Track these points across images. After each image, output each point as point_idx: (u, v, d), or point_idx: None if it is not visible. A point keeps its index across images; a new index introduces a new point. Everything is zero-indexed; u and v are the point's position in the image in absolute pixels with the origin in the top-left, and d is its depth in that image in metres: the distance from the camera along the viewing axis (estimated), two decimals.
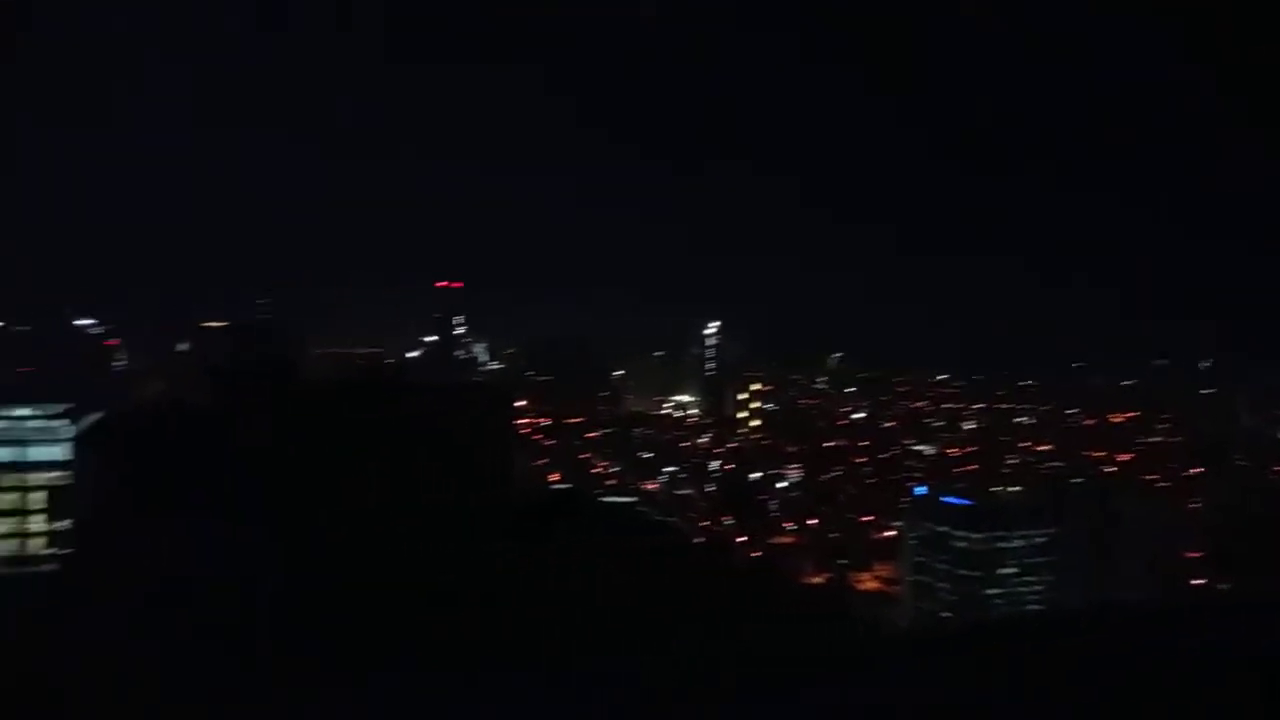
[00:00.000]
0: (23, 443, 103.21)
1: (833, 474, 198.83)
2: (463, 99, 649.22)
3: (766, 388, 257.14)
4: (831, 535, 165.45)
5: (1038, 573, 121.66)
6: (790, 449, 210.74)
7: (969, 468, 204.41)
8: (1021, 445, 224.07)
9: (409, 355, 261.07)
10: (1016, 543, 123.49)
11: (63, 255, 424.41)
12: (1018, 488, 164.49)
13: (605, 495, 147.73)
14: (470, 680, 6.73)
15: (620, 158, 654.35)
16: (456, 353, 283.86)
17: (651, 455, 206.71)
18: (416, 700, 6.25)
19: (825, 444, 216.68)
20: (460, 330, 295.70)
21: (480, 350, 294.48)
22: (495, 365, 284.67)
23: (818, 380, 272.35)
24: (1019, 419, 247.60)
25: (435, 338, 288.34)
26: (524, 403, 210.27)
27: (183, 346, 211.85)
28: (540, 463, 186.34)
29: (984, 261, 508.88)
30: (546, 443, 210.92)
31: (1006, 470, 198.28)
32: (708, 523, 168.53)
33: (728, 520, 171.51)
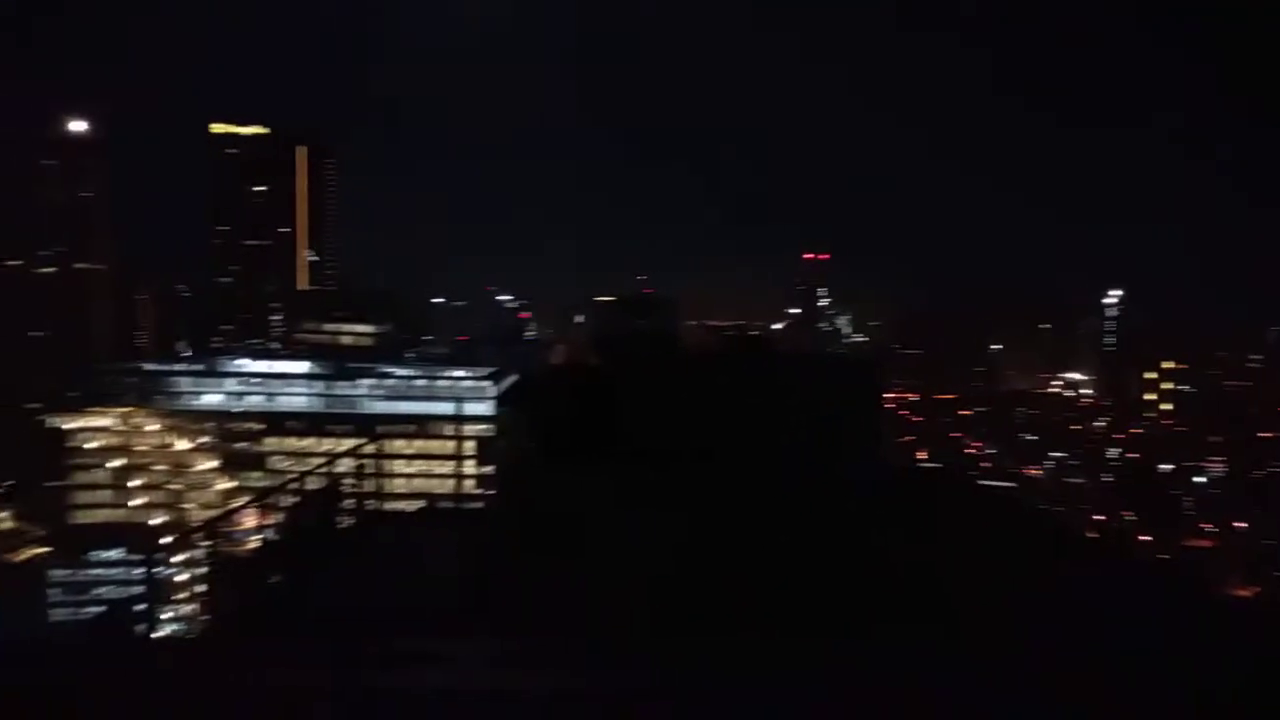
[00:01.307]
0: (459, 399, 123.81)
1: (1269, 469, 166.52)
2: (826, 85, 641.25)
3: (1181, 366, 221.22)
4: (1265, 542, 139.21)
5: None
6: (1213, 438, 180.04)
7: None
8: None
9: (773, 327, 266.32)
10: None
11: (489, 243, 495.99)
12: None
13: (979, 478, 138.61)
14: (835, 648, 6.76)
15: (998, 121, 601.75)
16: (820, 325, 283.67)
17: (1035, 438, 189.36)
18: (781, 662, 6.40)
19: (1260, 434, 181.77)
20: (824, 302, 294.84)
21: (844, 322, 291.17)
22: (859, 338, 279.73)
23: (1252, 358, 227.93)
24: None
25: (798, 310, 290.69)
26: (890, 377, 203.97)
27: (580, 318, 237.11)
28: (907, 440, 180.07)
29: None
30: (914, 419, 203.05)
31: None
32: (1103, 517, 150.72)
33: (1128, 515, 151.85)
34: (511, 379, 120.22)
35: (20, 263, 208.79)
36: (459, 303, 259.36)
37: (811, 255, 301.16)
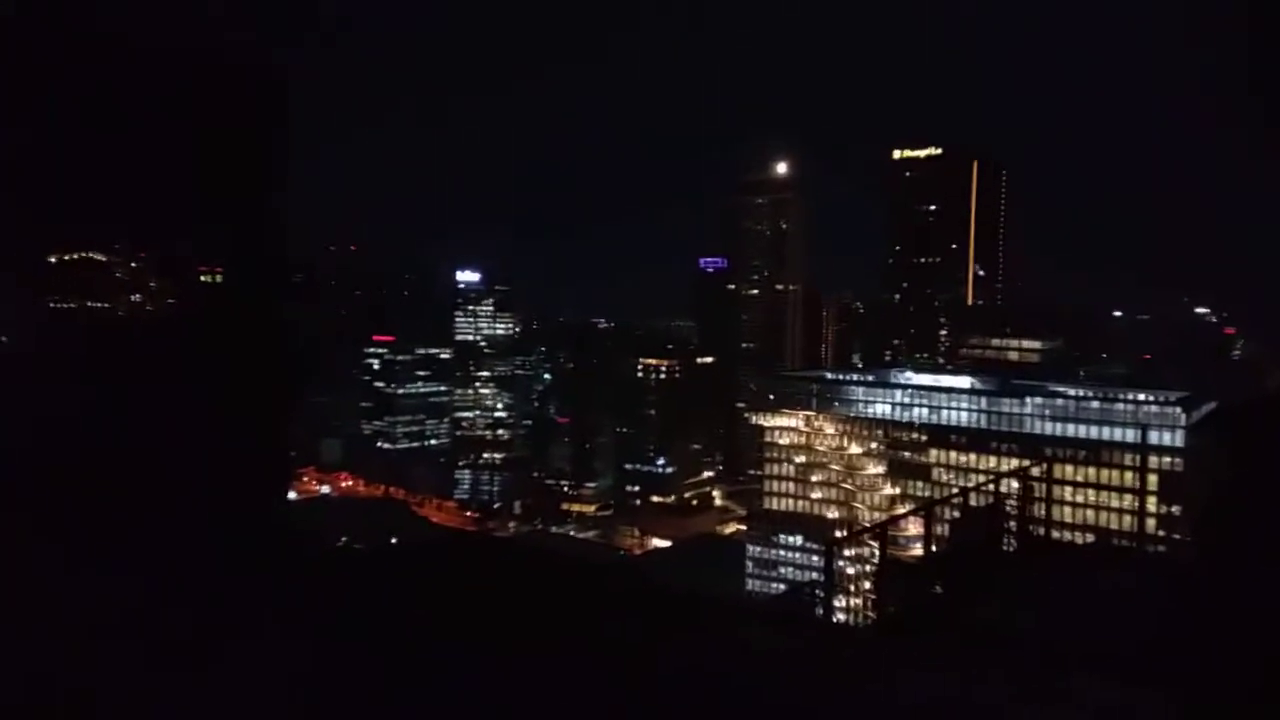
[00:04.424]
0: (1142, 426, 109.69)
1: None
2: None
3: None
4: None
5: None
6: None
7: None
8: None
9: None
10: None
11: (1183, 246, 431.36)
12: None
13: None
14: None
15: None
16: None
17: None
18: None
19: None
20: None
21: None
22: None
23: None
24: None
25: None
26: None
27: None
28: None
29: None
30: None
31: None
32: None
33: None
34: (1210, 406, 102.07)
35: (735, 286, 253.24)
36: (1143, 316, 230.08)
37: None
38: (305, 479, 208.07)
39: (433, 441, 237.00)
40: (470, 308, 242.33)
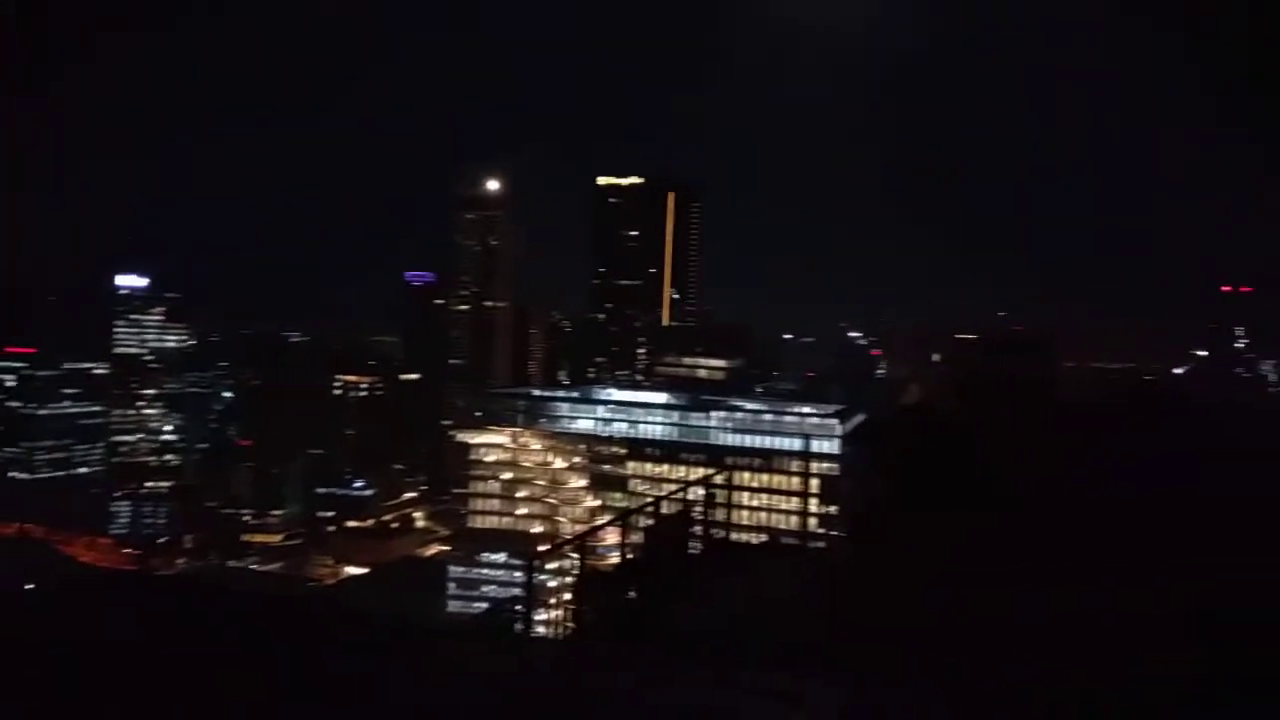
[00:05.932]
0: (806, 436, 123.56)
1: None
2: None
3: None
4: None
5: None
6: None
7: None
8: None
9: (1174, 371, 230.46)
10: None
11: (838, 277, 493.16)
12: None
13: None
14: None
15: None
16: (1236, 370, 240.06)
17: None
18: None
19: None
20: (1242, 344, 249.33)
21: (1270, 367, 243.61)
22: None
23: None
24: None
25: (1205, 353, 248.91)
26: None
27: (937, 357, 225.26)
28: None
29: None
30: None
31: None
32: None
33: None
34: (859, 418, 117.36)
35: (443, 301, 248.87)
36: (808, 339, 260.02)
37: (1230, 288, 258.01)
38: None
39: (83, 469, 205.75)
40: (134, 317, 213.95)
